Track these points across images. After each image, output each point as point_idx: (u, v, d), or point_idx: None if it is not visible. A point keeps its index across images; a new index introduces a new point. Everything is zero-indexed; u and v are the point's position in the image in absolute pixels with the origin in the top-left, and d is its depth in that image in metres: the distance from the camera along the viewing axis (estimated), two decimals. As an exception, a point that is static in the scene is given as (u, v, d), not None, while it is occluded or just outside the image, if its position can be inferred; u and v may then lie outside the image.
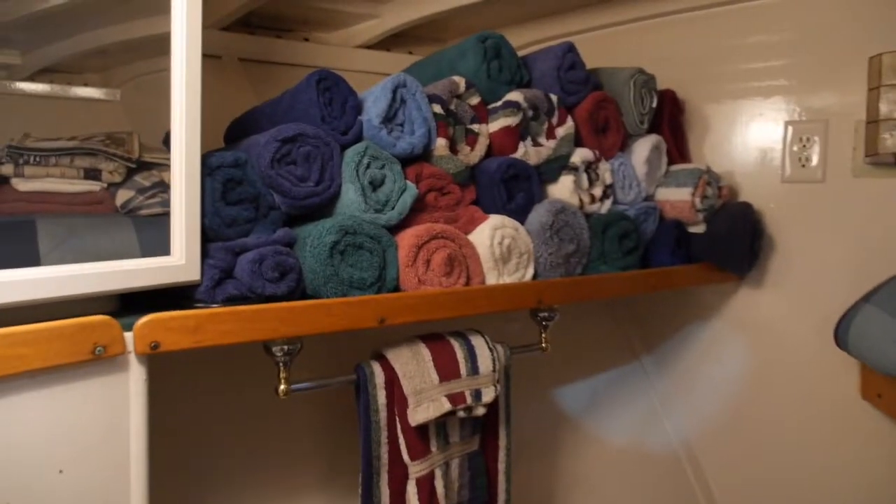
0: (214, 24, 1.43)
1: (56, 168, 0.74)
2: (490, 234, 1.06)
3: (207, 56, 1.44)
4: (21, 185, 0.72)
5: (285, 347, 0.88)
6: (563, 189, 1.19)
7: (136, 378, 0.75)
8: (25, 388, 0.67)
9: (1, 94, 0.74)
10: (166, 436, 0.87)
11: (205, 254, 0.85)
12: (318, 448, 1.22)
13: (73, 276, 0.72)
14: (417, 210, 1.03)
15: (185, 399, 1.04)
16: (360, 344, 1.04)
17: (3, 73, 0.74)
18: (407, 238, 0.98)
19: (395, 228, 0.99)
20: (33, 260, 0.71)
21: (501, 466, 1.10)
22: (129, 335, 0.74)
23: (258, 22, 1.54)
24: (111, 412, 0.74)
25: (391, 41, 1.71)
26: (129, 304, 0.83)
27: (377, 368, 0.97)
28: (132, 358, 0.75)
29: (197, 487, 1.09)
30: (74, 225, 0.78)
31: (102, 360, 0.72)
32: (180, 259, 0.82)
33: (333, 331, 0.88)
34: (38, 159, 0.73)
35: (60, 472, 0.70)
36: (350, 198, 0.95)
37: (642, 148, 1.35)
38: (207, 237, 0.87)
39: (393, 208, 0.98)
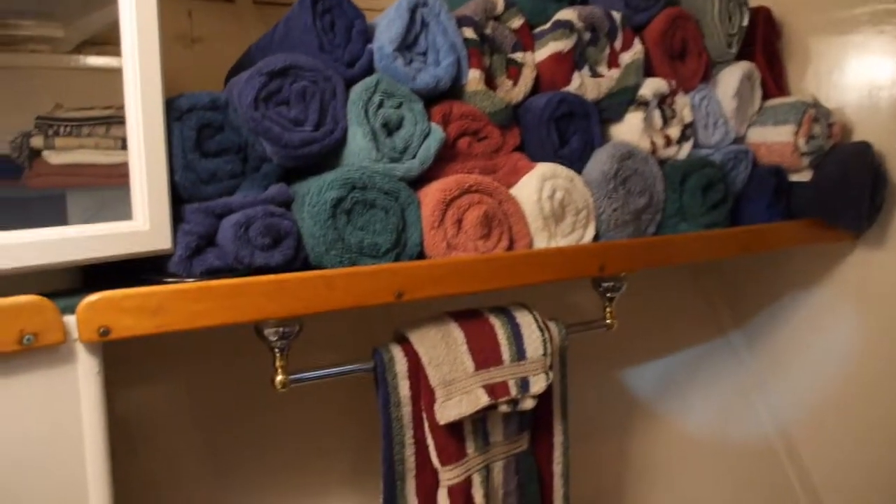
0: (225, -38, 1.26)
1: (90, 139, 0.68)
2: (538, 185, 0.86)
3: (218, 0, 1.31)
4: (53, 157, 0.67)
5: (280, 330, 0.72)
6: (630, 129, 0.98)
7: (85, 371, 0.61)
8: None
9: (46, 68, 0.70)
10: (140, 440, 0.72)
11: (179, 217, 0.71)
12: (342, 445, 1.05)
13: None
14: (446, 159, 0.84)
15: (163, 389, 0.90)
16: (385, 320, 0.87)
17: (46, 46, 0.70)
18: (432, 193, 0.79)
19: (417, 182, 0.81)
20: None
21: (557, 469, 0.92)
22: (71, 319, 0.59)
23: (277, -42, 1.36)
24: (54, 416, 0.60)
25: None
26: (98, 279, 0.69)
27: (398, 354, 0.79)
28: (79, 347, 0.60)
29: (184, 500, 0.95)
30: (106, 198, 0.70)
31: (34, 350, 0.57)
32: (144, 224, 0.67)
33: (336, 308, 0.70)
34: (69, 130, 0.67)
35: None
36: (358, 144, 0.77)
37: (731, 78, 1.10)
38: (182, 197, 0.72)
39: (413, 157, 0.80)
